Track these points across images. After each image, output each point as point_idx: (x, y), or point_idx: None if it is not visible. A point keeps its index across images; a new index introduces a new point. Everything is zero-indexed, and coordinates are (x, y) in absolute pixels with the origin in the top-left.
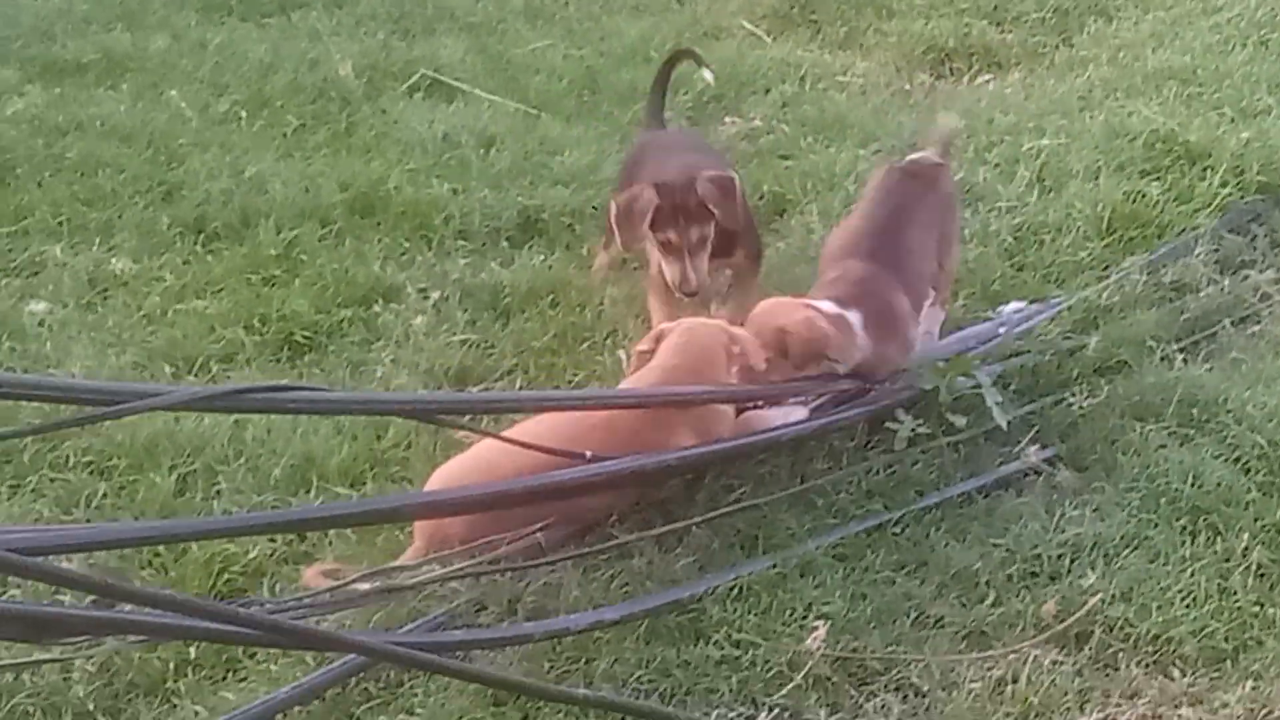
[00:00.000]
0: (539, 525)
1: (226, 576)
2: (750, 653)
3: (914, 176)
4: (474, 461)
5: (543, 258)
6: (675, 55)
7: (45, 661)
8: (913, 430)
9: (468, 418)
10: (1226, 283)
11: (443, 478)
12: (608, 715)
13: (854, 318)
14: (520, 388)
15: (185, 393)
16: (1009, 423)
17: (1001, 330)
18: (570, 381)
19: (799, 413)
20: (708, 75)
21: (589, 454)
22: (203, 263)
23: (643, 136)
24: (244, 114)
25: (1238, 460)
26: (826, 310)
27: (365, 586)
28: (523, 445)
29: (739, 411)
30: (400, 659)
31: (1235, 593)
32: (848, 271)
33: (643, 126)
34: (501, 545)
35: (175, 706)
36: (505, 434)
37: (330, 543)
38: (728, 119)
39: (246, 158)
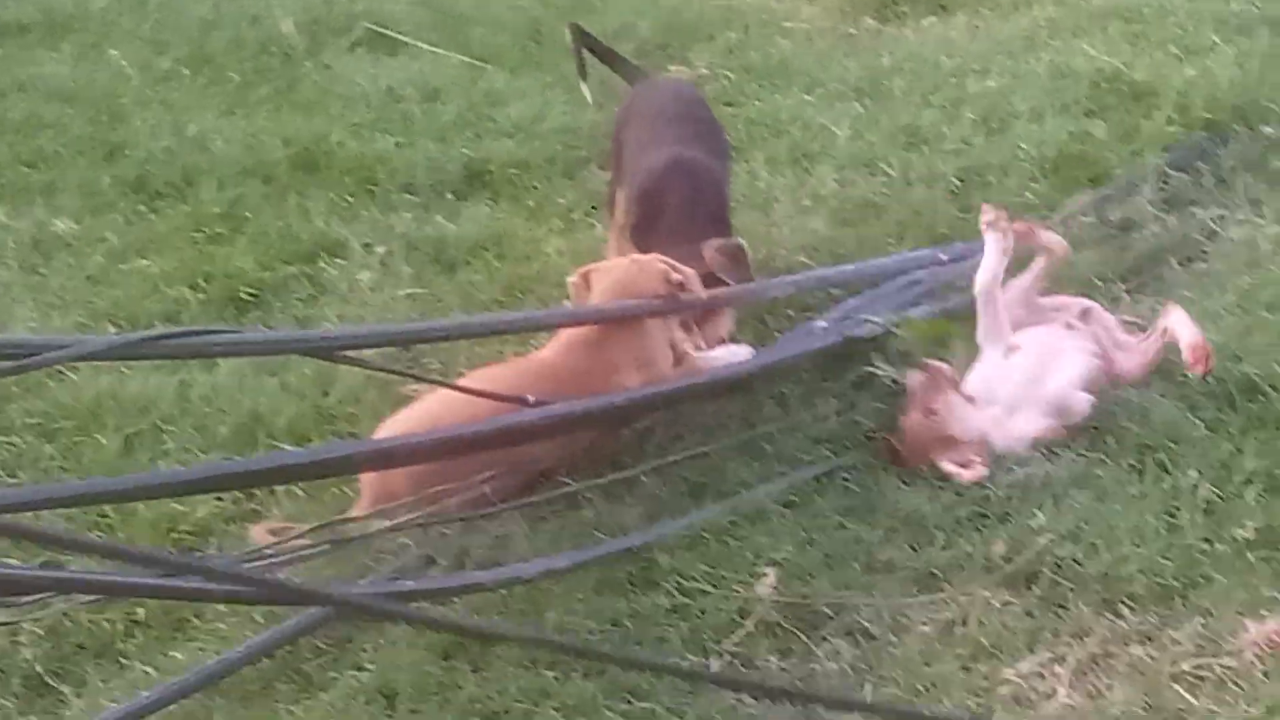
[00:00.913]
0: (485, 476)
1: (174, 536)
2: (700, 601)
3: None
4: (420, 415)
5: (488, 210)
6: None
7: None
8: (892, 381)
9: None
10: (1172, 221)
11: (389, 431)
12: (556, 667)
13: None
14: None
15: (99, 342)
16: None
17: (943, 257)
18: (518, 334)
19: (743, 353)
20: (585, 93)
21: (532, 398)
22: (146, 221)
23: (635, 91)
24: (186, 72)
25: (1184, 398)
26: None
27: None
28: (467, 391)
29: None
30: (371, 611)
31: (1183, 530)
32: None
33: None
34: (448, 498)
35: (124, 668)
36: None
37: (278, 501)
38: (673, 67)
39: (189, 115)
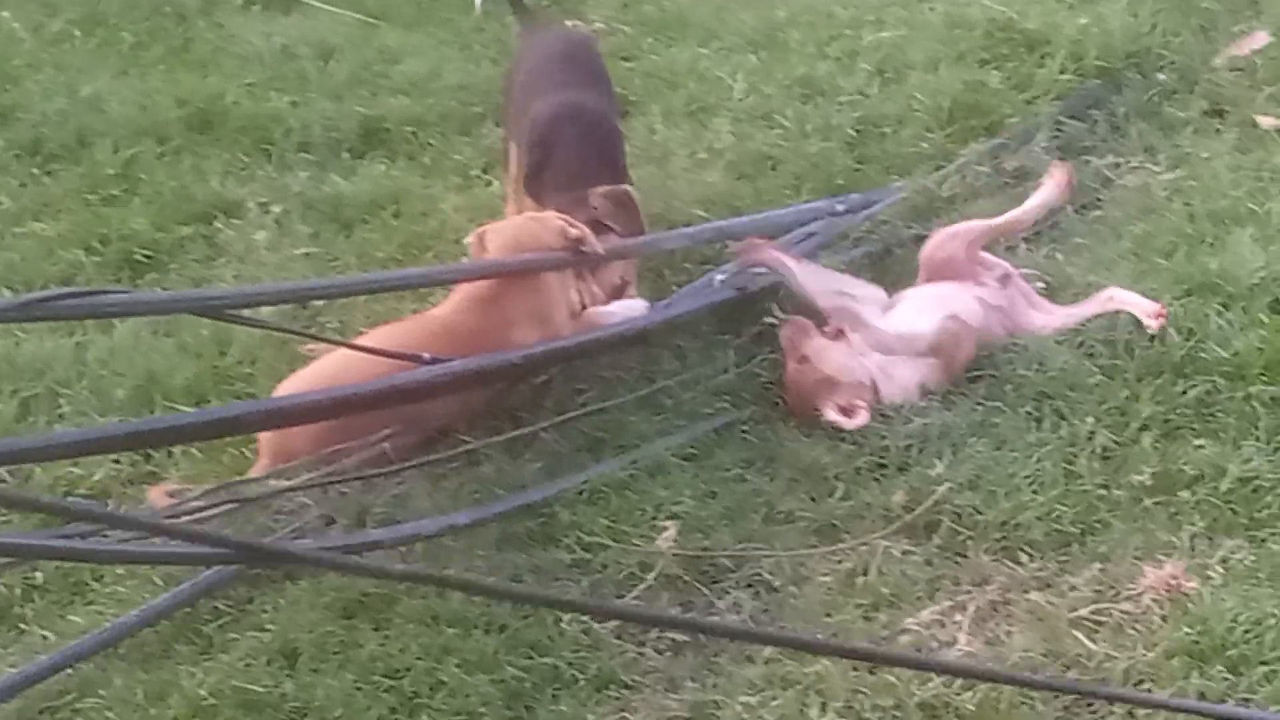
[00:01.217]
0: (384, 434)
1: (72, 499)
2: (601, 555)
3: None
4: (315, 375)
5: (384, 168)
6: None
7: None
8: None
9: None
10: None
11: (287, 391)
12: (456, 625)
13: None
14: (364, 299)
15: None
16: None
17: (839, 208)
18: (416, 292)
19: (639, 306)
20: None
21: (427, 355)
22: (40, 184)
23: (524, 41)
24: (78, 33)
25: (1080, 345)
26: None
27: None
28: (362, 350)
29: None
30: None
31: (1081, 476)
32: None
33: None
34: (347, 457)
35: (23, 631)
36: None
37: (176, 463)
38: (569, 22)
39: (82, 77)
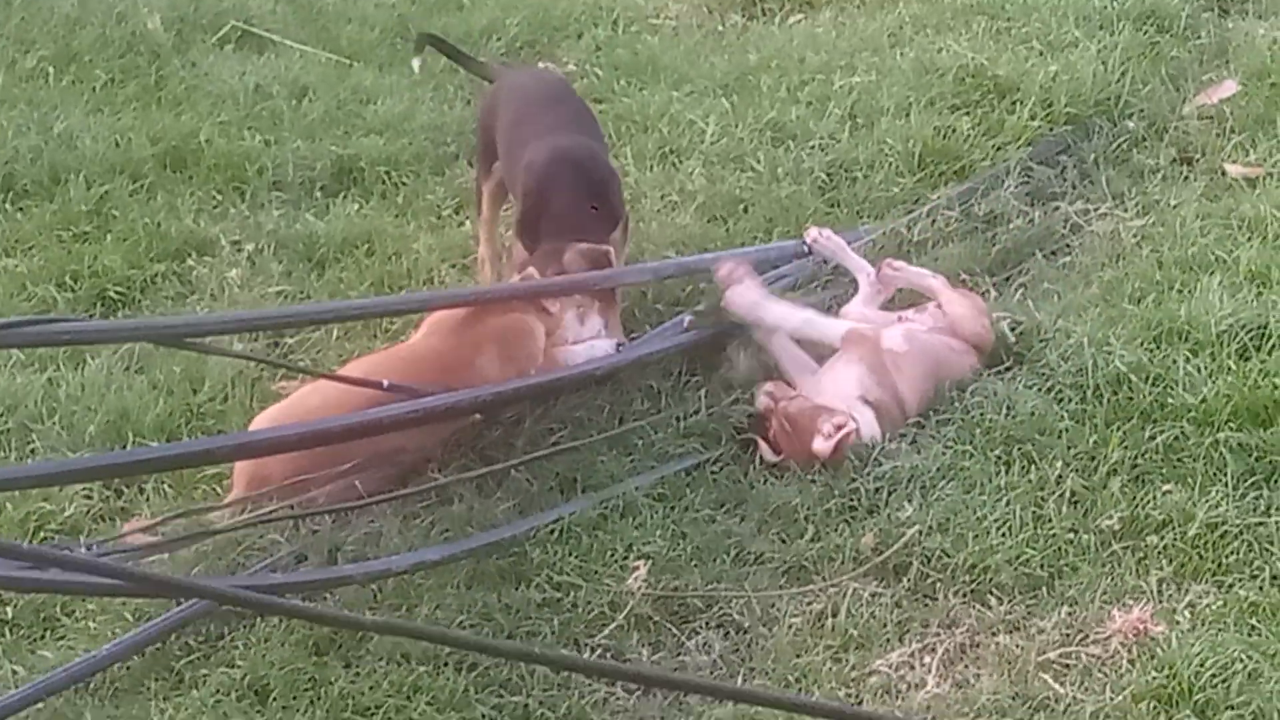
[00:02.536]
0: (353, 464)
1: (42, 535)
2: (572, 594)
3: None
4: (289, 410)
5: (358, 207)
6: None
7: None
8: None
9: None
10: (1037, 215)
11: (260, 426)
12: (427, 662)
13: None
14: (336, 338)
15: None
16: None
17: (806, 247)
18: (387, 330)
19: (605, 346)
20: (415, 64)
21: (386, 382)
22: (12, 221)
23: (500, 84)
24: (51, 70)
25: (1050, 390)
26: None
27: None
28: (328, 378)
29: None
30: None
31: (1049, 520)
32: None
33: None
34: (319, 488)
35: None
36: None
37: (148, 499)
38: (541, 64)
39: (55, 114)
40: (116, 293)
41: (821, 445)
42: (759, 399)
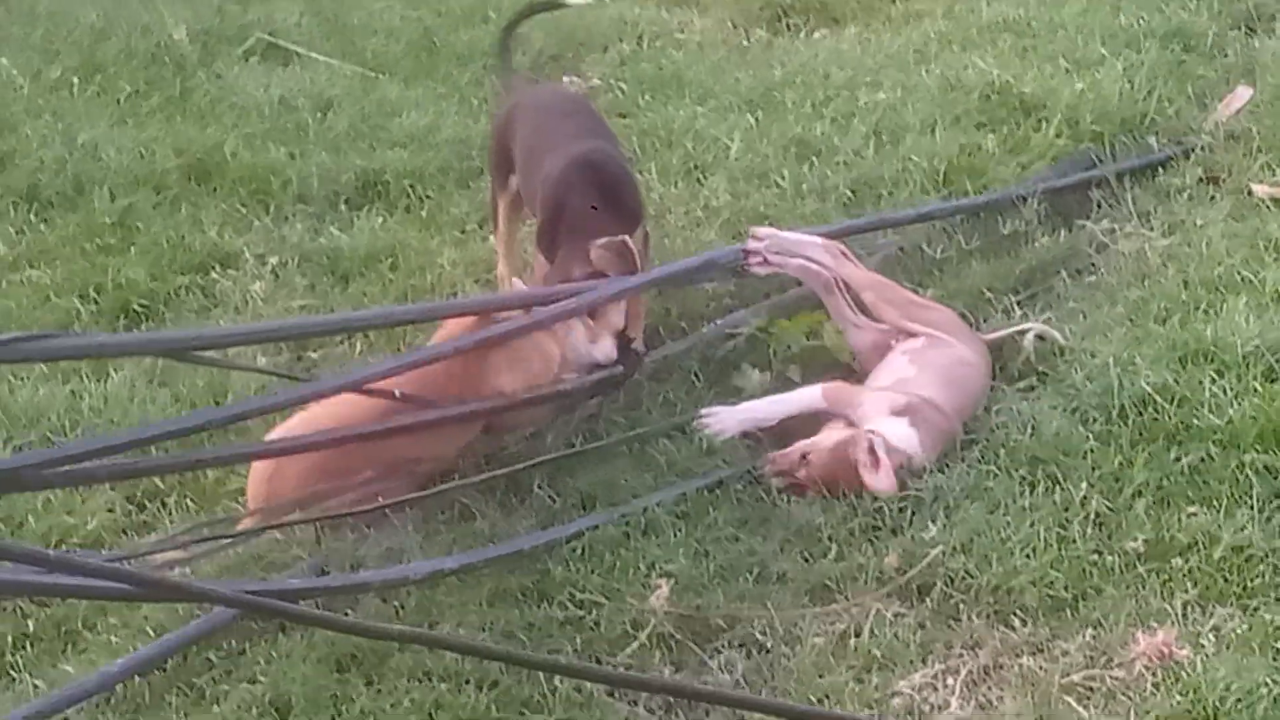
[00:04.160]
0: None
1: (64, 549)
2: (594, 613)
3: None
4: (304, 423)
5: (382, 220)
6: (520, 15)
7: None
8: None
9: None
10: (1062, 234)
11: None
12: (449, 680)
13: None
14: (359, 352)
15: None
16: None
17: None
18: (410, 344)
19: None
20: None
21: (398, 392)
22: (36, 232)
23: (518, 98)
24: (76, 80)
25: (1075, 410)
26: None
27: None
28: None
29: None
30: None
31: (1074, 541)
32: None
33: (500, 81)
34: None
35: (14, 680)
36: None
37: (170, 513)
38: (566, 78)
39: (80, 125)
40: (140, 305)
41: (875, 479)
42: (777, 465)
